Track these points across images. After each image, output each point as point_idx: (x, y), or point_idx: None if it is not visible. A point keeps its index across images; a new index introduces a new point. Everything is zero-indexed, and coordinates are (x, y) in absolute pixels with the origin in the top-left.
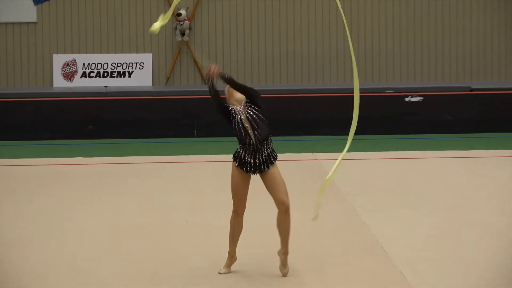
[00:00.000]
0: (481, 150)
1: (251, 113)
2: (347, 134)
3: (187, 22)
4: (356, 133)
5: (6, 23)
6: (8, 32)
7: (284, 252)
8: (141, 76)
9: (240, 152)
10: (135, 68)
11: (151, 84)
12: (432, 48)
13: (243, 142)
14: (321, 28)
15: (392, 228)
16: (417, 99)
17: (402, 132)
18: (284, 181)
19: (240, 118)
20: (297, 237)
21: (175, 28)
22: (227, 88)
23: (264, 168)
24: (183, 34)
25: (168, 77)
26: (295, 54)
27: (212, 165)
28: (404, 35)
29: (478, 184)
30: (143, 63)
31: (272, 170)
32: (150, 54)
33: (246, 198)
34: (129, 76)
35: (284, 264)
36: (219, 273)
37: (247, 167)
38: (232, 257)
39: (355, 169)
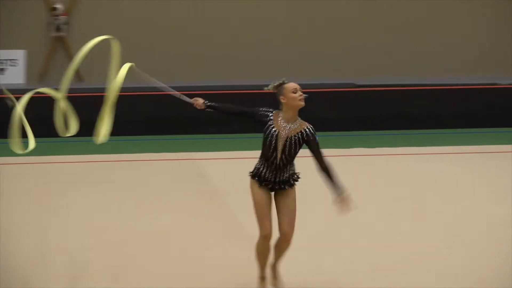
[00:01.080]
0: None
1: (293, 141)
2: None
3: (63, 17)
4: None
5: None
6: None
7: (273, 266)
8: (14, 73)
9: (261, 169)
10: (7, 65)
11: (24, 82)
12: (316, 45)
13: (266, 157)
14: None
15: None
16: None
17: None
18: (295, 210)
19: (278, 133)
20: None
21: (50, 23)
22: (289, 94)
23: (283, 187)
24: (58, 29)
25: (41, 74)
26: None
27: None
28: (287, 30)
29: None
30: (16, 60)
31: (288, 192)
32: (23, 51)
33: (270, 216)
34: (1, 73)
35: (275, 276)
36: None
37: (268, 185)
38: (264, 279)
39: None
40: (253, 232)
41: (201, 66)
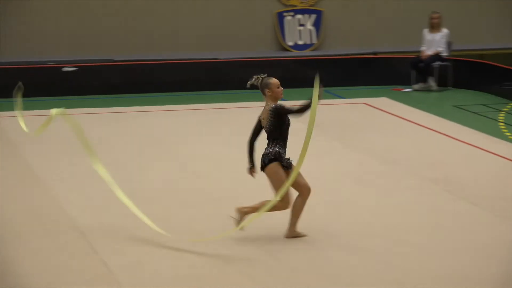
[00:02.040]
0: None
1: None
2: None
3: None
4: None
5: None
6: None
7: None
8: None
9: (281, 151)
10: None
11: None
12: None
13: (286, 137)
14: None
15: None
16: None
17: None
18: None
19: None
20: None
21: None
22: (275, 89)
23: (290, 161)
24: None
25: None
26: None
27: None
28: None
29: None
30: None
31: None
32: None
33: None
34: None
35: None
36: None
37: (285, 164)
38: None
39: None
40: None
41: None
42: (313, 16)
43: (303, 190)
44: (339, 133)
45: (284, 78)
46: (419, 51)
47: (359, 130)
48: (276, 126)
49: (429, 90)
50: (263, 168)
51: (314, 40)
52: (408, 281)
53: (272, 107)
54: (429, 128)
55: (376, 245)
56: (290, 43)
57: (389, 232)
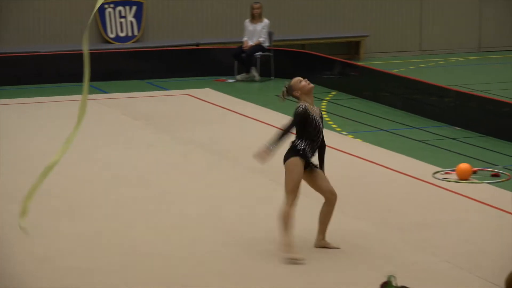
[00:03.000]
0: None
1: (320, 114)
2: None
3: None
4: None
5: None
6: None
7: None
8: None
9: (307, 149)
10: None
11: None
12: None
13: (312, 139)
14: None
15: None
16: None
17: None
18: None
19: (316, 118)
20: None
21: None
22: (299, 85)
23: (314, 165)
24: None
25: None
26: None
27: None
28: None
29: None
30: None
31: (315, 168)
32: None
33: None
34: None
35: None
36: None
37: (308, 164)
38: (290, 246)
39: None
40: None
41: None
42: (134, 8)
43: (328, 195)
44: (165, 125)
45: (108, 71)
46: (241, 42)
47: (184, 121)
48: (302, 126)
49: (252, 80)
50: (285, 160)
51: (136, 32)
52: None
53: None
54: (252, 118)
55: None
56: (112, 36)
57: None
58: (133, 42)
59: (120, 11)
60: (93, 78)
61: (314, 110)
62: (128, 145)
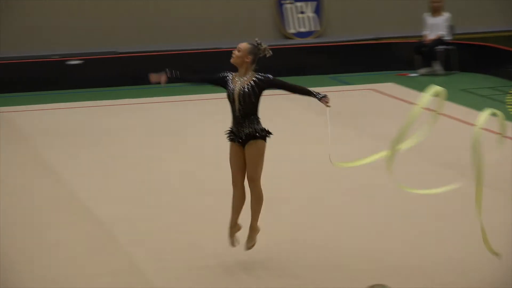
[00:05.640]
0: None
1: (246, 89)
2: None
3: None
4: None
5: None
6: None
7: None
8: None
9: (232, 126)
10: None
11: None
12: None
13: (232, 114)
14: None
15: None
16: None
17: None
18: (258, 158)
19: (233, 88)
20: None
21: None
22: (241, 53)
23: (246, 143)
24: None
25: None
26: None
27: None
28: None
29: None
30: None
31: (252, 144)
32: None
33: (241, 169)
34: None
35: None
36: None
37: (234, 138)
38: (232, 227)
39: None
40: None
41: None
42: (313, 3)
43: (248, 182)
44: (351, 120)
45: (289, 66)
46: (421, 36)
47: (370, 116)
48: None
49: (435, 74)
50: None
51: (316, 27)
52: None
53: (257, 76)
54: (441, 114)
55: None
56: (292, 31)
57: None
58: (313, 37)
59: (299, 7)
60: (274, 74)
61: (236, 82)
62: (313, 140)
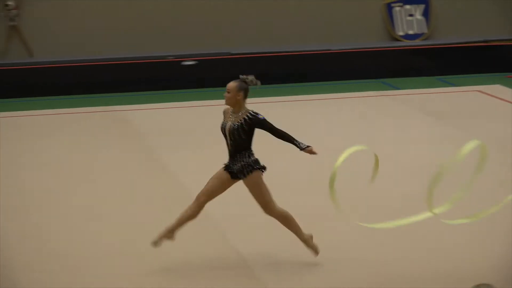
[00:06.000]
0: None
1: (235, 126)
2: None
3: (14, 11)
4: None
5: None
6: None
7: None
8: None
9: (228, 157)
10: None
11: None
12: None
13: (227, 145)
14: None
15: None
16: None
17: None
18: (261, 189)
19: (225, 123)
20: None
21: (6, 16)
22: (231, 94)
23: (240, 177)
24: (12, 20)
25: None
26: None
27: None
28: None
29: None
30: None
31: (246, 183)
32: None
33: (212, 192)
34: None
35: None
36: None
37: (228, 169)
38: (168, 232)
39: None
40: None
41: None
42: (422, 6)
43: (201, 206)
44: (456, 121)
45: (397, 68)
46: None
47: (476, 118)
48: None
49: None
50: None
51: (424, 30)
52: None
53: (248, 115)
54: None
55: None
56: (401, 33)
57: None
58: (421, 40)
59: (408, 10)
60: (383, 75)
61: (229, 118)
62: (420, 141)
